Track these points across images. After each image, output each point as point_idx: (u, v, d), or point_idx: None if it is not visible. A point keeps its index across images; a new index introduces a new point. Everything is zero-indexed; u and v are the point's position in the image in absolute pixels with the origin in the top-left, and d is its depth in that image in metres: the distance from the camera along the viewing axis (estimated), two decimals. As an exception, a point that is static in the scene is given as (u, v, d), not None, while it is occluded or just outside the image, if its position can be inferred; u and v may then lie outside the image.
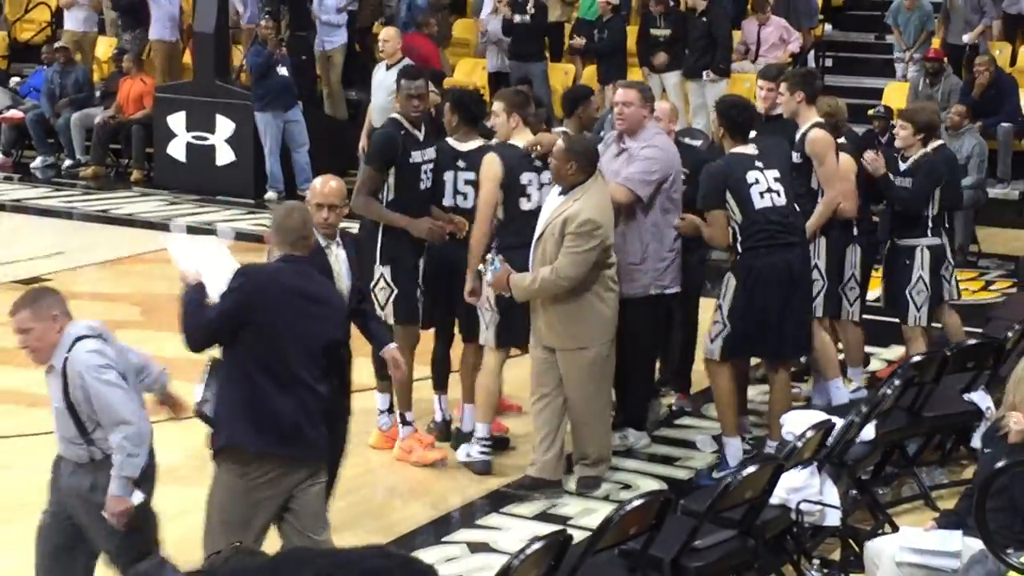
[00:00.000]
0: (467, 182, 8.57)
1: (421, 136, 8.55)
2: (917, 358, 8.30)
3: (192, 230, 15.23)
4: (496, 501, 8.13)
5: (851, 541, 7.18)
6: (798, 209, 8.46)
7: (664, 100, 12.44)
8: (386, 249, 8.45)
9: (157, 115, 17.07)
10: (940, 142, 9.69)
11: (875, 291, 9.88)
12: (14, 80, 19.68)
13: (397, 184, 8.46)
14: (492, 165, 8.29)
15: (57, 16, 20.40)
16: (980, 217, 14.05)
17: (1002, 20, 16.64)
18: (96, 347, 5.98)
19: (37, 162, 18.19)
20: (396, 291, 8.45)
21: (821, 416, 7.46)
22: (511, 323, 8.27)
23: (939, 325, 9.66)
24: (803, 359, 9.47)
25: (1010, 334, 8.76)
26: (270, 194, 16.24)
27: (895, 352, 10.32)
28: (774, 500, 6.73)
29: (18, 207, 16.23)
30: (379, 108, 12.77)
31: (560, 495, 8.10)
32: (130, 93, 17.54)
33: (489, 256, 8.05)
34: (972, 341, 8.85)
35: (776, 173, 8.26)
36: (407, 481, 8.44)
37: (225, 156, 16.64)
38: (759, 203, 8.16)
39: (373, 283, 8.32)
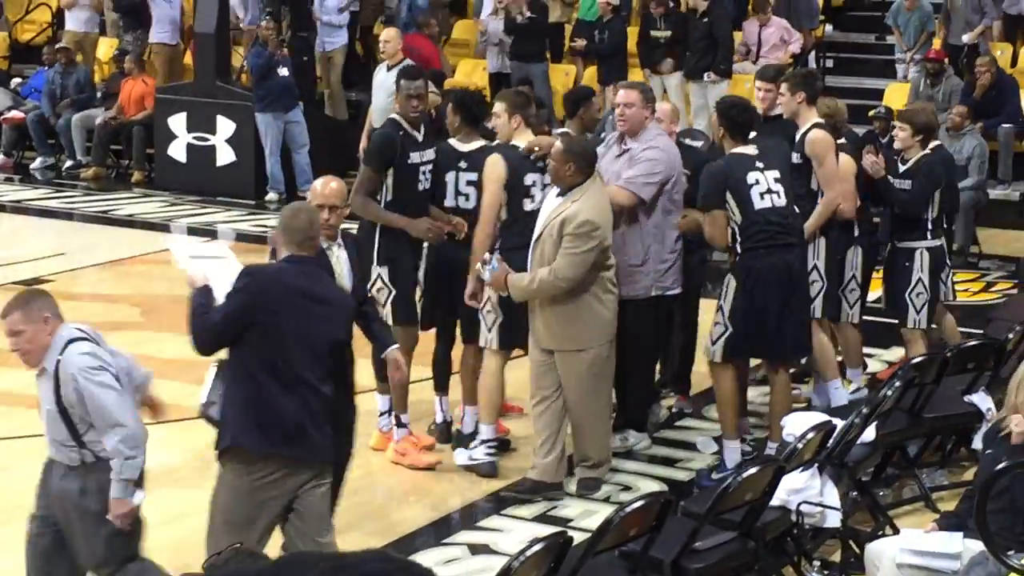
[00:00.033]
0: (469, 183, 8.57)
1: (420, 137, 8.55)
2: (918, 359, 8.29)
3: (192, 231, 15.24)
4: (496, 503, 8.13)
5: (851, 543, 7.17)
6: (797, 210, 8.46)
7: (665, 101, 12.44)
8: (384, 250, 8.45)
9: (158, 116, 17.08)
10: (937, 143, 9.69)
11: (875, 292, 9.87)
12: (15, 81, 19.68)
13: (395, 185, 8.46)
14: (496, 166, 8.29)
15: (58, 17, 20.40)
16: (981, 218, 14.05)
17: (1002, 21, 16.64)
18: (89, 349, 5.97)
19: (37, 163, 18.20)
20: (394, 292, 8.45)
21: (822, 418, 7.46)
22: (514, 324, 8.26)
23: (935, 326, 9.66)
24: (803, 361, 9.46)
25: (1011, 335, 8.75)
26: (271, 195, 16.25)
27: (896, 353, 10.31)
28: (774, 502, 6.72)
29: (19, 208, 16.23)
30: (380, 109, 12.77)
31: (560, 497, 8.10)
32: (131, 94, 17.55)
33: (487, 256, 8.04)
34: (973, 342, 8.84)
35: (776, 174, 8.26)
36: (407, 483, 8.44)
37: (226, 157, 16.64)
38: (759, 204, 8.16)
39: (371, 284, 8.31)
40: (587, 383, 7.98)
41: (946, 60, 15.45)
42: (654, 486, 8.25)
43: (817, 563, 7.11)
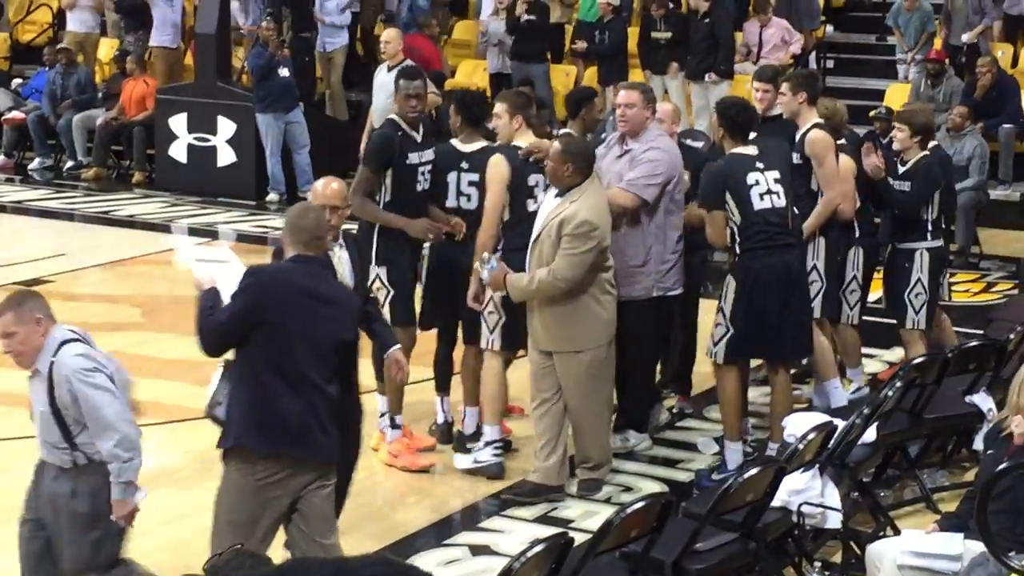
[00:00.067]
0: (470, 183, 8.56)
1: (419, 137, 8.55)
2: (919, 360, 8.29)
3: (193, 232, 15.25)
4: (497, 504, 8.12)
5: (852, 544, 7.17)
6: (797, 211, 8.45)
7: (666, 101, 12.44)
8: (382, 250, 8.45)
9: (158, 117, 17.08)
10: (935, 143, 9.69)
11: (876, 293, 9.86)
12: (16, 81, 19.68)
13: (394, 185, 8.46)
14: (499, 167, 8.28)
15: (59, 18, 20.39)
16: (981, 219, 14.04)
17: (1003, 21, 16.63)
18: (84, 351, 5.97)
19: (35, 163, 18.20)
20: (392, 292, 8.44)
21: (823, 418, 7.46)
22: (516, 325, 8.24)
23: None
24: (804, 361, 9.45)
25: (1012, 336, 8.74)
26: (271, 196, 16.25)
27: (896, 354, 10.31)
28: (775, 502, 6.72)
29: (19, 208, 16.23)
30: (380, 109, 12.77)
31: (561, 498, 8.09)
32: (133, 94, 17.55)
33: (485, 255, 8.04)
34: (974, 343, 8.84)
35: (776, 174, 8.25)
36: (408, 484, 8.44)
37: (226, 157, 16.64)
38: (758, 205, 8.15)
39: (369, 284, 8.30)
40: (586, 385, 7.97)
41: (947, 61, 15.45)
42: (655, 487, 8.25)
43: (818, 564, 7.11)
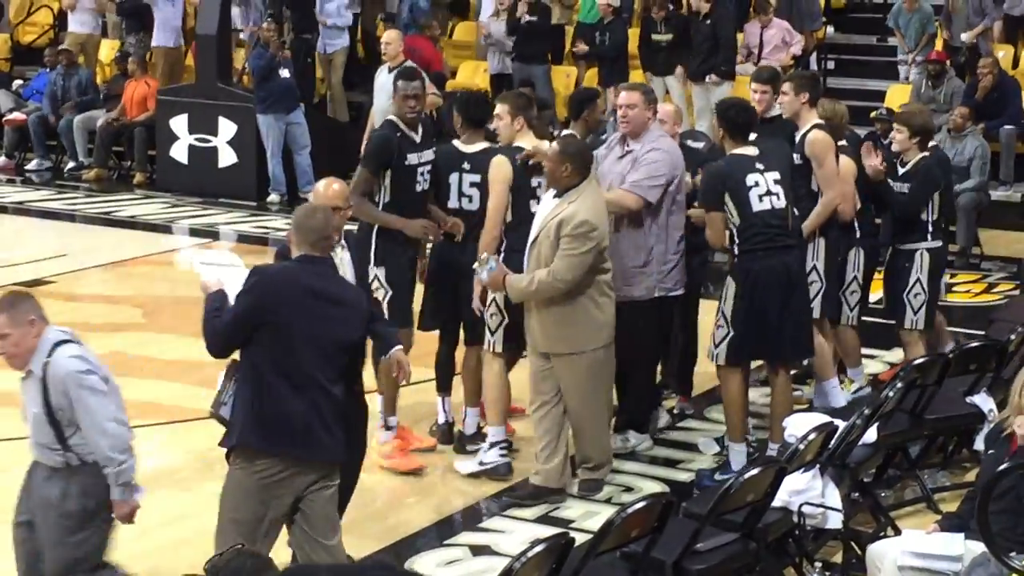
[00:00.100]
0: (472, 184, 8.55)
1: (418, 138, 8.54)
2: (920, 360, 8.29)
3: (194, 233, 15.25)
4: (498, 504, 8.12)
5: (853, 544, 7.16)
6: (797, 212, 8.45)
7: (668, 102, 12.44)
8: (380, 250, 8.44)
9: (159, 117, 17.09)
10: (933, 143, 9.69)
11: (877, 294, 9.86)
12: (17, 83, 19.68)
13: (393, 186, 8.46)
14: (502, 167, 8.28)
15: (60, 19, 20.40)
16: (982, 219, 14.04)
17: (1003, 22, 16.63)
18: (78, 352, 5.96)
19: (32, 164, 18.21)
20: (391, 292, 8.44)
21: (823, 419, 7.45)
22: (520, 327, 8.23)
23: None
24: (805, 362, 9.45)
25: (1013, 336, 8.74)
26: (272, 196, 16.26)
27: (897, 355, 10.30)
28: (776, 503, 6.72)
29: (20, 209, 16.24)
30: (381, 111, 12.77)
31: (562, 499, 8.09)
32: (134, 95, 17.56)
33: (484, 256, 8.03)
34: (975, 343, 8.84)
35: (776, 175, 8.25)
36: (409, 484, 8.43)
37: (227, 158, 16.65)
38: (757, 206, 8.15)
39: (368, 284, 8.30)
40: (585, 386, 7.96)
41: (948, 62, 15.45)
42: (656, 487, 8.25)
43: (819, 564, 7.11)
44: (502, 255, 8.16)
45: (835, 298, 9.26)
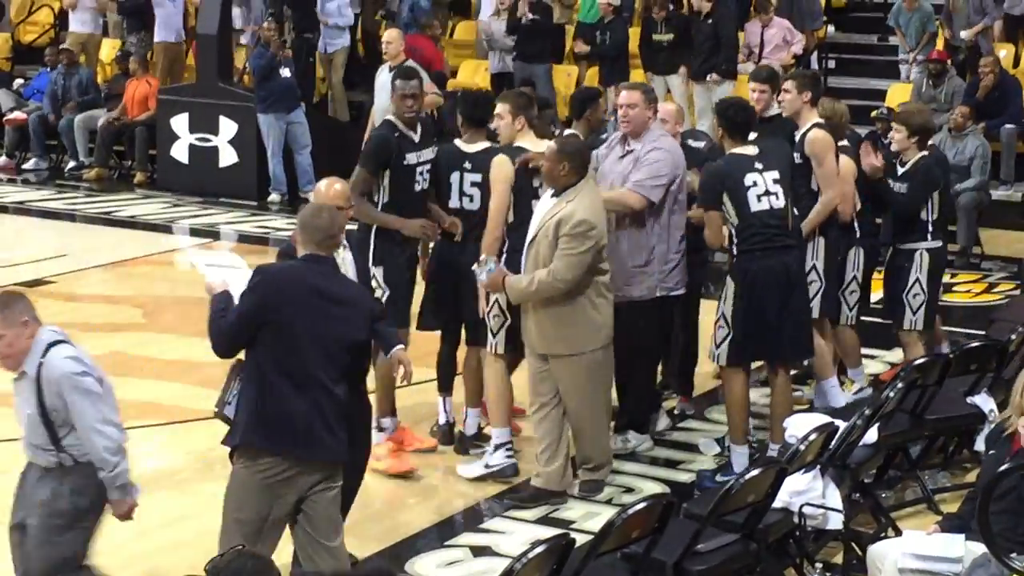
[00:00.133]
0: (473, 184, 8.54)
1: (417, 137, 8.54)
2: (920, 361, 8.28)
3: (195, 232, 15.25)
4: (499, 505, 8.12)
5: (854, 545, 7.16)
6: (796, 212, 8.44)
7: (669, 101, 12.43)
8: (378, 250, 8.44)
9: (160, 117, 17.09)
10: (931, 143, 9.68)
11: (877, 294, 9.86)
12: (17, 82, 19.68)
13: (391, 186, 8.46)
14: (504, 167, 8.27)
15: (61, 18, 20.40)
16: (983, 219, 14.03)
17: (1003, 21, 16.63)
18: (73, 353, 5.96)
19: (30, 163, 18.21)
20: (389, 292, 8.43)
21: (824, 419, 7.45)
22: (520, 328, 8.22)
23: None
24: (805, 363, 9.44)
25: (1013, 337, 8.74)
26: (273, 196, 16.26)
27: (898, 355, 10.30)
28: (777, 503, 6.72)
29: (21, 209, 16.24)
30: (382, 110, 12.75)
31: (563, 500, 8.08)
32: (135, 95, 17.55)
33: (483, 257, 8.03)
34: (975, 344, 8.83)
35: (776, 175, 8.23)
36: (410, 484, 8.43)
37: (228, 158, 16.65)
38: (755, 206, 8.14)
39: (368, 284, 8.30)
40: (584, 388, 7.95)
41: (949, 61, 15.45)
42: (656, 488, 8.25)
43: (819, 565, 7.10)
44: (504, 255, 8.16)
45: (834, 298, 9.24)
